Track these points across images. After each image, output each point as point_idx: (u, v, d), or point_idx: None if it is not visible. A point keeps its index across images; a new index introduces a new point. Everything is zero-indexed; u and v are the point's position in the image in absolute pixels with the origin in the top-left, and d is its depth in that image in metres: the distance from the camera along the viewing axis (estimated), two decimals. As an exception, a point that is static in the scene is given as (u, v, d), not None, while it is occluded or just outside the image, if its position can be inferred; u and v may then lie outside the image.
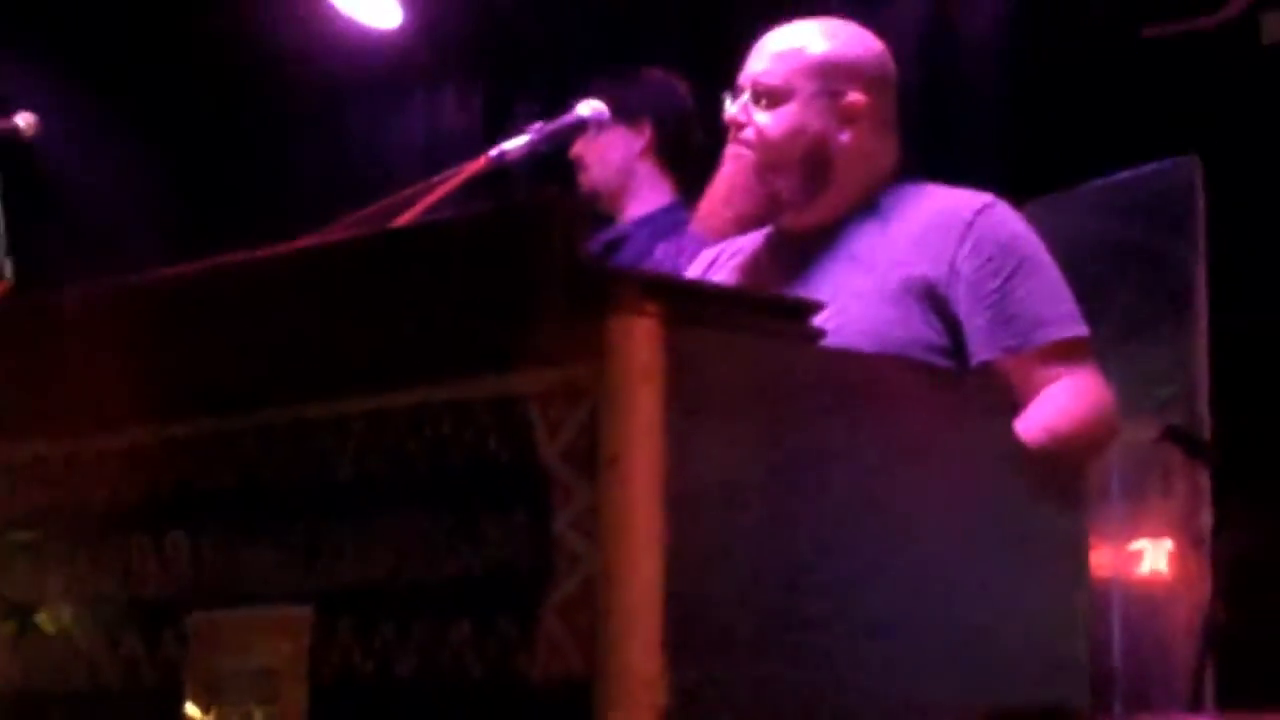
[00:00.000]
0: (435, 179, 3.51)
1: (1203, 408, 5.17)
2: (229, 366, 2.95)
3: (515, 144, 3.56)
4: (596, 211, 4.95)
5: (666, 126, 5.03)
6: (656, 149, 5.07)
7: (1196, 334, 5.22)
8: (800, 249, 3.57)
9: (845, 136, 3.54)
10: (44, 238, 7.92)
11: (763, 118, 3.52)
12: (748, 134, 3.54)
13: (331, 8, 6.76)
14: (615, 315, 2.52)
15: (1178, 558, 5.29)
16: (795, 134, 3.51)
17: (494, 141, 3.67)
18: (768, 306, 3.03)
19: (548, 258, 2.57)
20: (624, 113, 4.85)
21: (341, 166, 7.29)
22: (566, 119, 3.63)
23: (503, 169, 3.56)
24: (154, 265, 3.27)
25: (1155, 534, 5.36)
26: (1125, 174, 5.40)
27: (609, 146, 4.89)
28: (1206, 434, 5.14)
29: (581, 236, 2.60)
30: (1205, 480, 5.18)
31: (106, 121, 7.10)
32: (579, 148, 4.86)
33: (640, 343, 2.52)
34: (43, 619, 3.17)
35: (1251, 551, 5.06)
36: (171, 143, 7.70)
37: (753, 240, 3.64)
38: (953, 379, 3.27)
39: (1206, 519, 5.18)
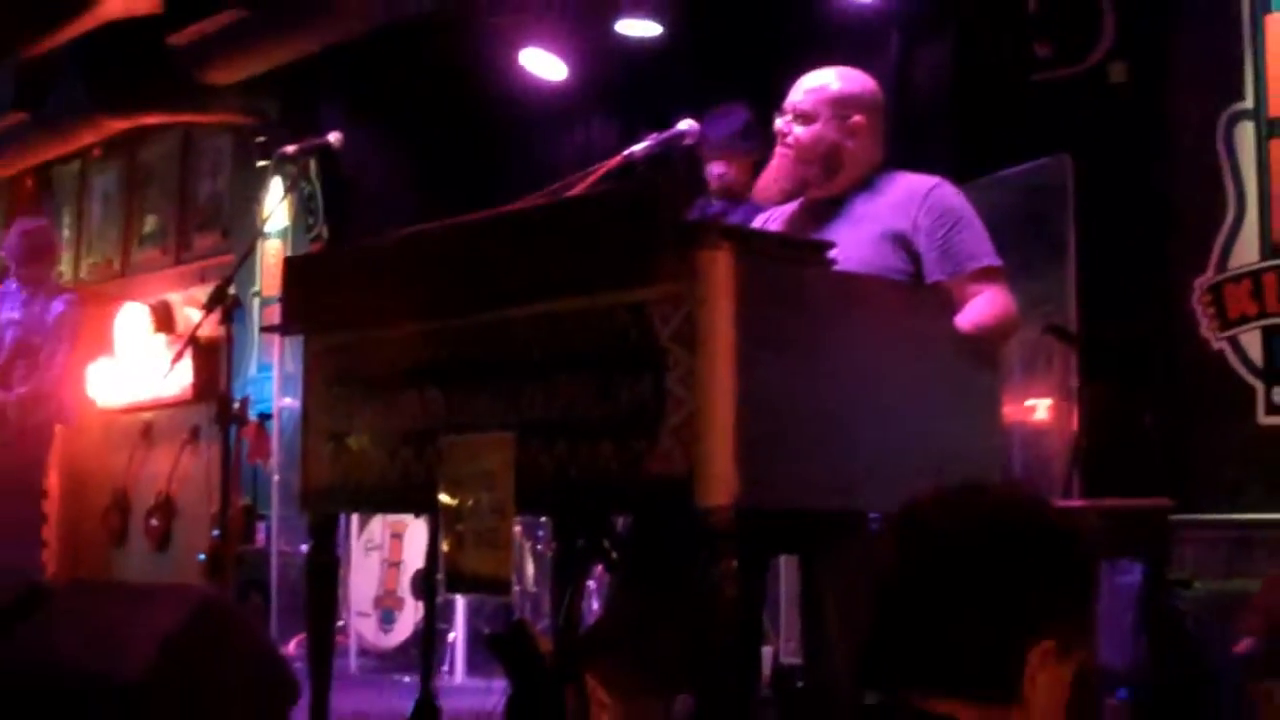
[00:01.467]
0: (589, 169, 3.54)
1: (1071, 314, 5.19)
2: (465, 286, 3.00)
3: (638, 147, 3.58)
4: (711, 191, 5.06)
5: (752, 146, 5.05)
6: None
7: (1067, 269, 5.25)
8: (820, 212, 3.59)
9: (851, 144, 3.54)
10: (345, 213, 8.01)
11: (799, 130, 3.53)
12: (789, 140, 3.55)
13: (520, 66, 6.78)
14: (703, 250, 2.58)
15: (1055, 409, 5.32)
16: (818, 142, 3.52)
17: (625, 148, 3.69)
18: (799, 245, 3.08)
19: (661, 215, 2.62)
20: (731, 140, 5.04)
21: (528, 166, 7.30)
22: (671, 132, 3.64)
23: (630, 164, 3.58)
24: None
25: (1041, 395, 5.37)
26: (1023, 165, 5.41)
27: (727, 160, 5.08)
28: (1074, 329, 5.14)
29: (682, 203, 2.63)
30: (1073, 359, 5.20)
31: (382, 137, 7.11)
32: (718, 158, 5.11)
33: (719, 267, 2.60)
34: (350, 441, 3.23)
35: (1101, 403, 5.07)
36: (421, 150, 7.70)
37: (791, 207, 3.66)
38: (916, 291, 3.30)
39: (1073, 383, 5.20)
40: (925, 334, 3.09)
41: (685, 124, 3.68)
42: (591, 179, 3.41)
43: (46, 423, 7.12)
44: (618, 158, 3.52)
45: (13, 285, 7.39)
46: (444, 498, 2.95)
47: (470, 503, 2.90)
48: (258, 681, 3.92)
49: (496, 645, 3.16)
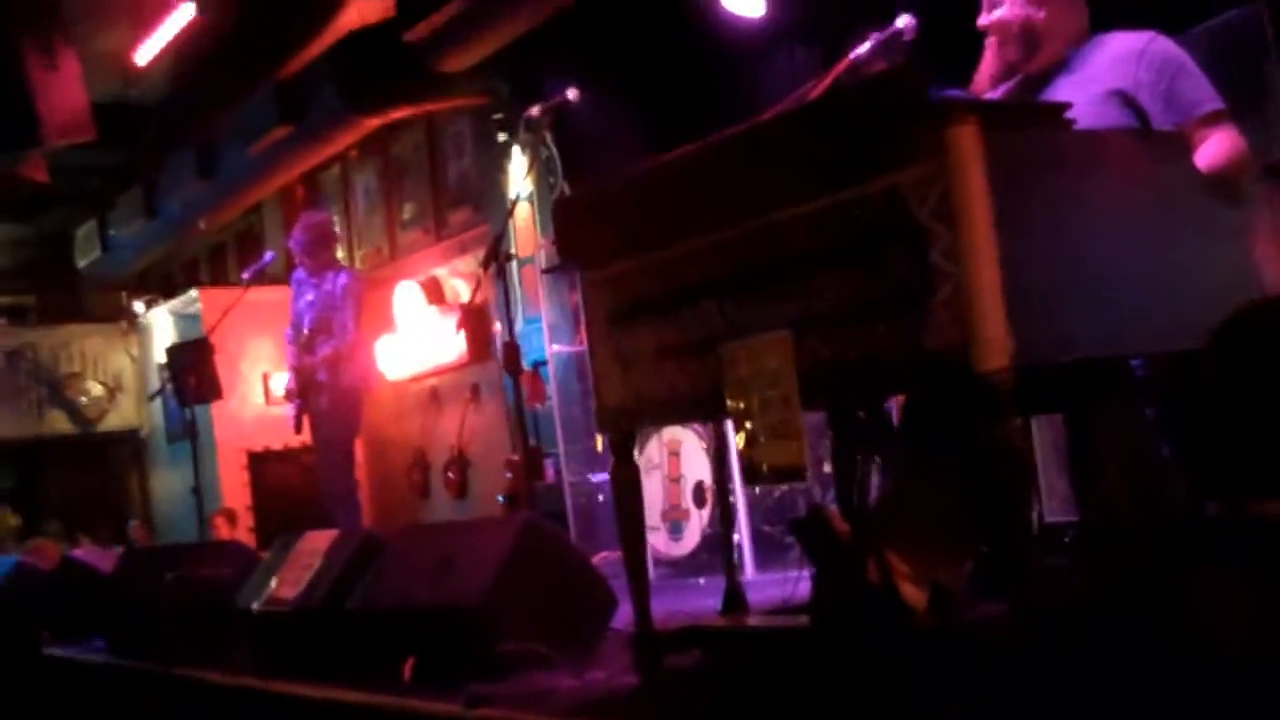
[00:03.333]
0: (819, 77, 3.45)
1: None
2: (726, 199, 2.93)
3: (861, 48, 3.47)
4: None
5: None
6: None
7: (1274, 114, 4.94)
8: (1037, 87, 3.43)
9: (1042, 16, 3.38)
10: (582, 170, 8.02)
11: (992, 17, 3.40)
12: (993, 28, 3.42)
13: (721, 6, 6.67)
14: (951, 126, 2.47)
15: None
16: (1009, 23, 3.38)
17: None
18: (1039, 109, 2.94)
19: (905, 98, 2.52)
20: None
21: (743, 102, 7.18)
22: (890, 30, 3.52)
23: (856, 66, 3.47)
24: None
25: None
26: (1219, 18, 5.10)
27: None
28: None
29: (923, 84, 2.51)
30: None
31: (607, 95, 7.04)
32: None
33: (968, 140, 2.49)
34: (635, 362, 3.20)
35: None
36: (643, 102, 7.63)
37: (1008, 85, 3.51)
38: (1154, 140, 3.14)
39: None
40: (1169, 180, 2.94)
41: (902, 20, 3.55)
42: (823, 85, 3.31)
43: (353, 389, 7.35)
44: (843, 61, 3.41)
45: (302, 274, 7.69)
46: (732, 401, 2.91)
47: (757, 401, 2.85)
48: (580, 596, 3.96)
49: (798, 530, 3.12)
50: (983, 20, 3.46)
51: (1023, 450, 2.51)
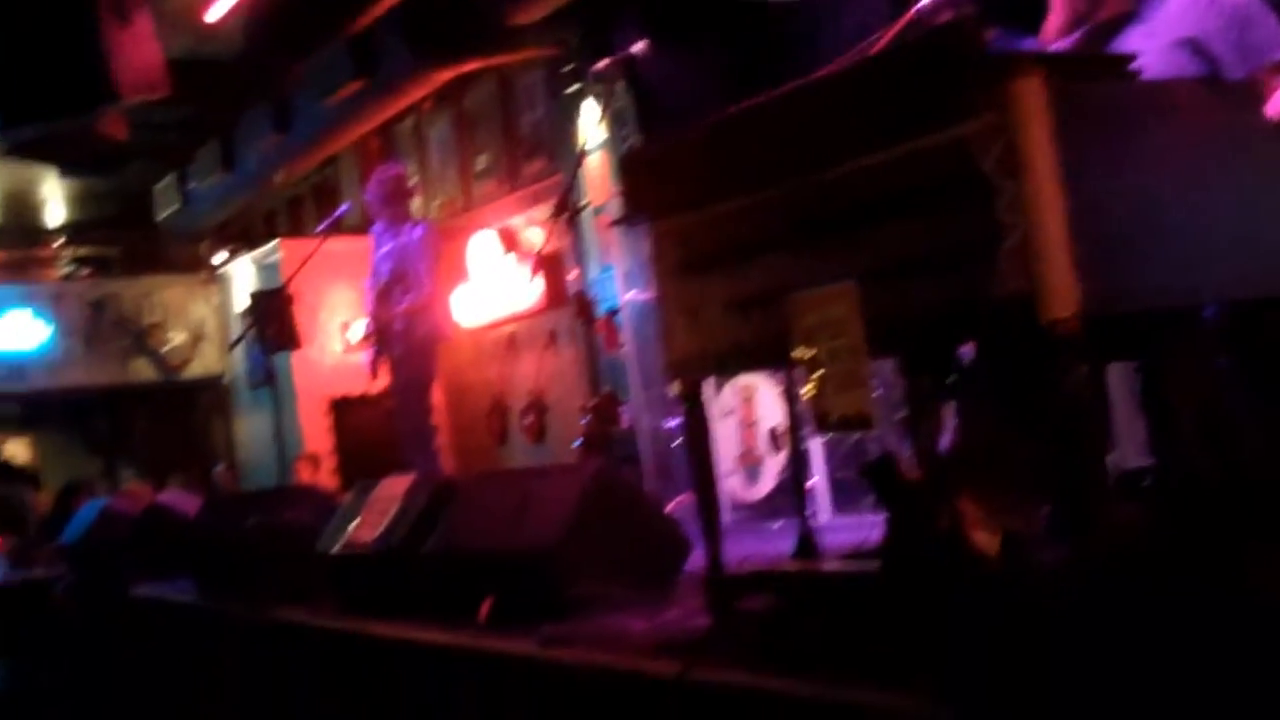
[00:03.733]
0: (881, 32, 3.43)
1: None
2: (793, 152, 2.93)
3: (922, 2, 3.45)
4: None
5: None
6: None
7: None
8: (1107, 32, 3.40)
9: None
10: (653, 120, 8.01)
11: None
12: None
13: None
14: (1015, 78, 2.47)
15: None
16: None
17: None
18: (1104, 60, 2.93)
19: (969, 51, 2.52)
20: None
21: (809, 53, 7.12)
22: None
23: (918, 20, 3.45)
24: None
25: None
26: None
27: None
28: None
29: (986, 37, 2.51)
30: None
31: (674, 47, 7.04)
32: None
33: (1032, 92, 2.49)
34: (703, 312, 3.22)
35: None
36: (711, 53, 7.59)
37: (1076, 35, 3.48)
38: (1222, 89, 3.11)
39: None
40: (1239, 128, 2.90)
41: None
42: (888, 37, 3.31)
43: (429, 338, 7.43)
44: (908, 14, 3.40)
45: (379, 227, 7.76)
46: (799, 350, 2.92)
47: (824, 351, 2.87)
48: (653, 540, 4.03)
49: (869, 475, 3.15)
50: None
51: (1091, 398, 2.52)
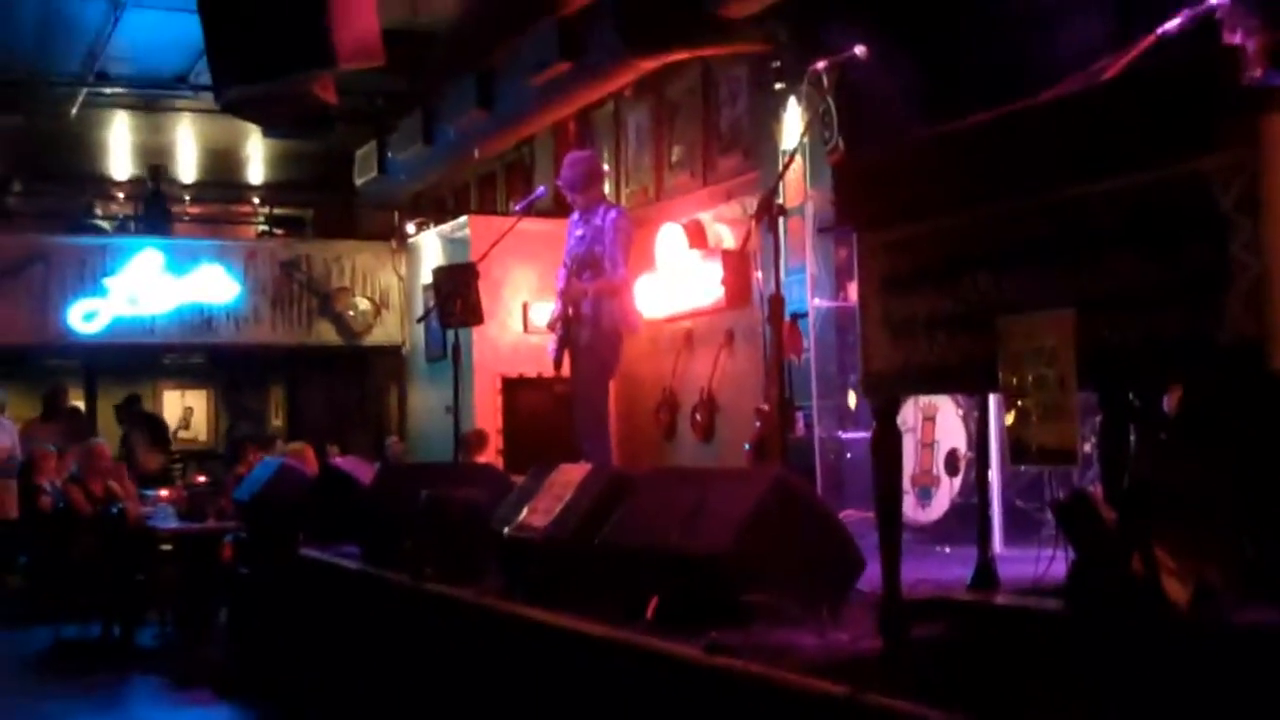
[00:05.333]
0: (1118, 50, 3.34)
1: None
2: (1015, 172, 2.86)
3: (1170, 24, 3.34)
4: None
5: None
6: None
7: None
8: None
9: None
10: (859, 125, 7.92)
11: None
12: None
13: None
14: (1267, 114, 2.37)
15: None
16: None
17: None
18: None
19: (1221, 82, 2.42)
20: None
21: (1027, 67, 6.97)
22: (1203, 6, 3.37)
23: (1163, 42, 3.35)
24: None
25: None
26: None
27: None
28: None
29: (1240, 68, 2.41)
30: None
31: (884, 50, 6.92)
32: None
33: (1282, 129, 2.38)
34: (907, 328, 3.15)
35: None
36: (922, 58, 7.46)
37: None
38: None
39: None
40: None
41: (1217, -1, 3.41)
42: (1126, 60, 3.21)
43: (614, 330, 7.43)
44: (1150, 37, 3.30)
45: (575, 214, 7.78)
46: (1004, 376, 2.86)
47: (1031, 379, 2.80)
48: (826, 554, 3.97)
49: (1062, 514, 3.07)
50: None
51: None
